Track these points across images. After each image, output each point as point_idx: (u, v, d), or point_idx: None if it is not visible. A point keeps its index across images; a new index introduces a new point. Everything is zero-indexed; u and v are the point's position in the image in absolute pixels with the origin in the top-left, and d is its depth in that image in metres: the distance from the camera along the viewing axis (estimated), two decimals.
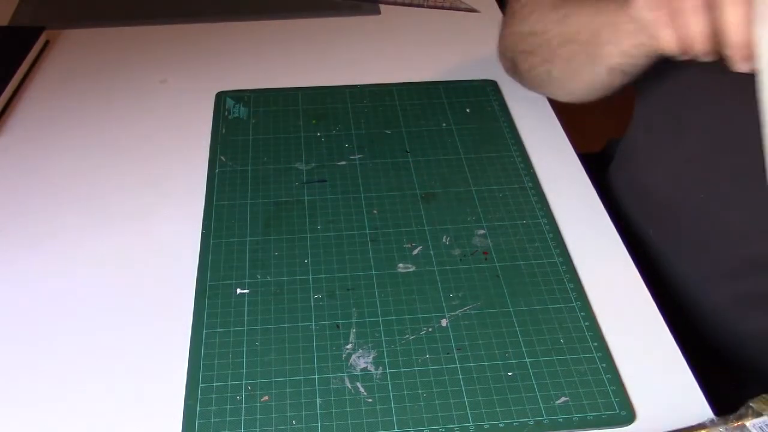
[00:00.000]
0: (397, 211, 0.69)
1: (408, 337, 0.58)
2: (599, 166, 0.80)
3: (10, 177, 0.73)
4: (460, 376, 0.55)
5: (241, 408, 0.53)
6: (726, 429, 0.49)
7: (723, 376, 0.59)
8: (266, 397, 0.54)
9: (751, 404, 0.50)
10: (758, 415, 0.49)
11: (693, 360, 0.57)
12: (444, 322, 0.59)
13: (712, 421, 0.50)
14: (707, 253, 0.67)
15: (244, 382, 0.55)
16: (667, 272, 0.70)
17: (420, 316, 0.60)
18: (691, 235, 0.68)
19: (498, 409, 0.53)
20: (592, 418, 0.53)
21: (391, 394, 0.54)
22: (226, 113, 0.81)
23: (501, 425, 0.52)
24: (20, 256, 0.65)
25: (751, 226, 0.63)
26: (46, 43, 0.93)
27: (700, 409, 0.53)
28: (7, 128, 0.79)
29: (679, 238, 0.69)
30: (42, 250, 0.65)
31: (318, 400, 0.54)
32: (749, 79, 0.50)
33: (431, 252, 0.65)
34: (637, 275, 0.64)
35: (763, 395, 0.50)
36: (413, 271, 0.63)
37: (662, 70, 0.64)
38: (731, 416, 0.50)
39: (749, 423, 0.48)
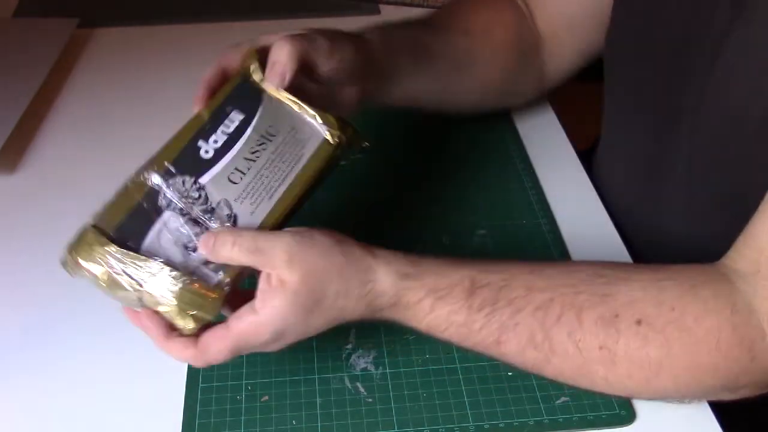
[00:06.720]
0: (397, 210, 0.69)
1: (408, 337, 0.58)
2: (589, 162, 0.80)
3: (12, 175, 0.73)
4: (460, 376, 0.55)
5: (241, 408, 0.53)
6: None
7: None
8: (266, 397, 0.54)
9: None
10: None
11: None
12: None
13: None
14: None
15: (244, 382, 0.55)
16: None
17: None
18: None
19: (498, 409, 0.53)
20: (592, 417, 0.53)
21: (391, 394, 0.54)
22: None
23: (501, 425, 0.52)
24: (22, 255, 0.65)
25: None
26: None
27: (700, 409, 0.53)
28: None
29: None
30: (42, 249, 0.65)
31: (318, 400, 0.54)
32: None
33: (431, 252, 0.65)
34: None
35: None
36: None
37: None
38: None
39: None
